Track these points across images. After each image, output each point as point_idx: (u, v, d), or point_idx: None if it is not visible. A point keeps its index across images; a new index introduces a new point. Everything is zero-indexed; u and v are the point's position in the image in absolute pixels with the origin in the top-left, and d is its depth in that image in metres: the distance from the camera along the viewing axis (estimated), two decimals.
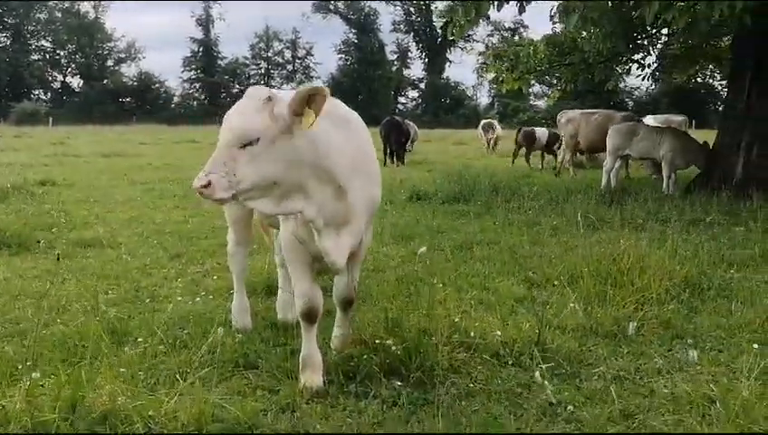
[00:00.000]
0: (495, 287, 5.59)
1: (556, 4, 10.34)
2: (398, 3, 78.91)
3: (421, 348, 3.74)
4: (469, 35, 70.61)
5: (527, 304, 5.10)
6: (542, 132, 19.58)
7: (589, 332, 4.42)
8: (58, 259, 5.84)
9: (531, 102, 64.95)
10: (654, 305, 4.75)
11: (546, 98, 36.32)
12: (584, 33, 11.36)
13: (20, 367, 3.55)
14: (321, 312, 3.73)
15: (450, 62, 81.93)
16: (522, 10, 10.53)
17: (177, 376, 3.51)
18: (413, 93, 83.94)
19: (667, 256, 5.63)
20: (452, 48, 76.51)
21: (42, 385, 3.26)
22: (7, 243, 7.18)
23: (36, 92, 78.46)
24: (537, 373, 3.43)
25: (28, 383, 3.05)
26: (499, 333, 4.11)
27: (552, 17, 10.41)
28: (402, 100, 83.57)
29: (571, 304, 4.73)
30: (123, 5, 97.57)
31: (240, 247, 4.83)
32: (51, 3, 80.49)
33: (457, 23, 10.85)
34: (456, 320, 4.12)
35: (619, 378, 3.76)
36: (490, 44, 62.38)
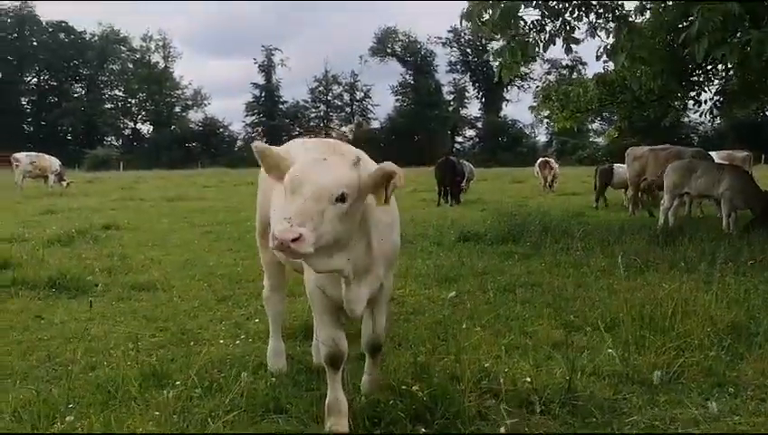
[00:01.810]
0: (534, 331, 5.54)
1: (602, 44, 10.29)
2: (455, 44, 79.58)
3: (448, 394, 3.74)
4: (525, 74, 70.68)
5: (564, 349, 5.02)
6: (622, 170, 19.05)
7: (625, 379, 4.32)
8: (90, 306, 6.06)
9: (591, 139, 64.23)
10: (695, 352, 4.62)
11: (603, 136, 35.72)
12: (633, 71, 11.24)
13: (61, 409, 3.71)
14: (345, 357, 3.73)
15: (507, 100, 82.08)
16: (568, 51, 10.53)
17: (210, 420, 3.61)
18: (470, 132, 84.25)
19: (713, 299, 5.48)
20: (509, 87, 76.60)
21: (78, 428, 3.40)
22: (67, 286, 7.50)
23: (109, 139, 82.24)
24: None
25: (62, 427, 3.18)
26: (529, 379, 4.06)
27: (598, 57, 10.36)
28: (459, 139, 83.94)
29: (609, 350, 4.66)
30: (190, 55, 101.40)
31: (275, 292, 4.91)
32: (123, 54, 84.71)
33: (506, 64, 10.92)
34: (486, 365, 4.11)
35: (653, 427, 3.66)
36: (546, 83, 62.08)
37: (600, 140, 62.00)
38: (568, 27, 10.65)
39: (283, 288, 5.01)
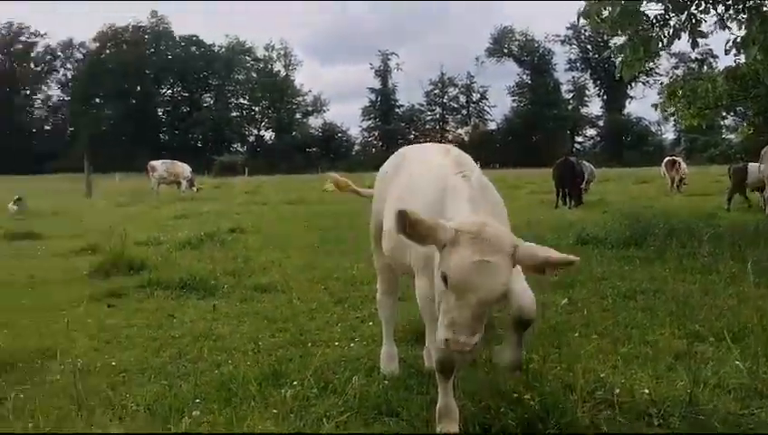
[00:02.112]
0: (655, 340, 5.32)
1: (732, 36, 9.71)
2: (574, 41, 77.34)
3: (560, 403, 3.68)
4: (651, 69, 67.50)
5: (687, 359, 4.79)
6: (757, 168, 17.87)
7: (753, 393, 4.07)
8: (214, 308, 6.36)
9: (723, 136, 60.45)
10: None
11: (736, 132, 33.42)
12: (767, 64, 10.51)
13: (189, 404, 3.98)
14: (456, 364, 3.69)
15: (631, 97, 78.66)
16: (695, 45, 10.03)
17: (324, 420, 3.75)
18: (591, 132, 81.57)
19: None
20: (633, 83, 73.47)
21: (203, 422, 3.63)
22: (196, 287, 7.98)
23: (235, 146, 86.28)
24: None
25: (189, 421, 3.41)
26: (647, 390, 3.92)
27: (727, 50, 9.78)
28: (579, 139, 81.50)
29: (736, 362, 4.41)
30: (309, 62, 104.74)
31: (388, 295, 4.96)
32: (248, 64, 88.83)
33: (627, 62, 10.55)
34: (602, 375, 4.00)
35: None
36: (673, 78, 58.94)
37: (732, 136, 58.19)
38: (694, 21, 10.14)
39: (395, 292, 5.05)
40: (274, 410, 3.78)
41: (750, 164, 18.09)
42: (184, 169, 29.24)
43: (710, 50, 66.14)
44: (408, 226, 3.06)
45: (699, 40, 9.94)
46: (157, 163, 29.39)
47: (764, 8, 9.88)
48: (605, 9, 9.92)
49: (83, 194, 30.70)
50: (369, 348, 5.42)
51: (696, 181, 27.98)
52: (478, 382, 4.23)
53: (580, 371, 4.03)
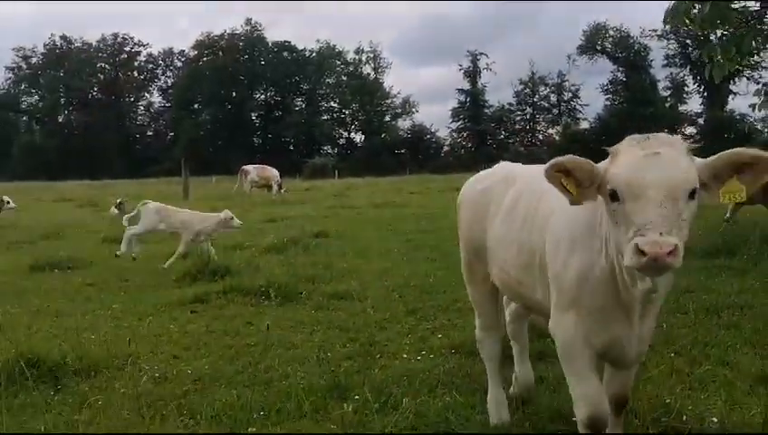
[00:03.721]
0: (736, 361, 5.06)
1: None
2: (672, 36, 74.12)
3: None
4: (757, 62, 63.79)
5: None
6: None
7: None
8: (267, 329, 6.20)
9: None
10: None
11: None
12: None
13: (254, 416, 4.12)
14: (608, 420, 3.24)
15: (734, 93, 74.57)
16: None
17: None
18: (690, 130, 77.87)
19: None
20: (737, 78, 69.65)
21: None
22: (275, 294, 8.19)
23: (325, 148, 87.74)
24: None
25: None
26: (715, 419, 3.74)
27: None
28: (678, 138, 77.92)
29: None
30: (398, 64, 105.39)
31: (490, 331, 4.33)
32: (338, 68, 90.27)
33: (717, 63, 10.05)
34: (668, 401, 3.85)
35: None
36: None
37: None
38: None
39: (498, 327, 4.40)
40: (333, 426, 3.85)
41: None
42: (273, 172, 30.09)
43: None
44: (573, 170, 2.84)
45: None
46: (249, 167, 30.42)
47: None
48: (694, 8, 9.48)
49: (181, 197, 32.10)
50: (435, 361, 5.43)
51: None
52: (538, 405, 4.16)
53: (646, 395, 3.89)
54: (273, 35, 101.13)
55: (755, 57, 58.93)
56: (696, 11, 9.63)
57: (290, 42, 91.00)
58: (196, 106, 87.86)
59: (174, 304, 7.91)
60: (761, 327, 5.94)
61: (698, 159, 2.76)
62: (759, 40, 9.52)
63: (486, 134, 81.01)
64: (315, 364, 5.41)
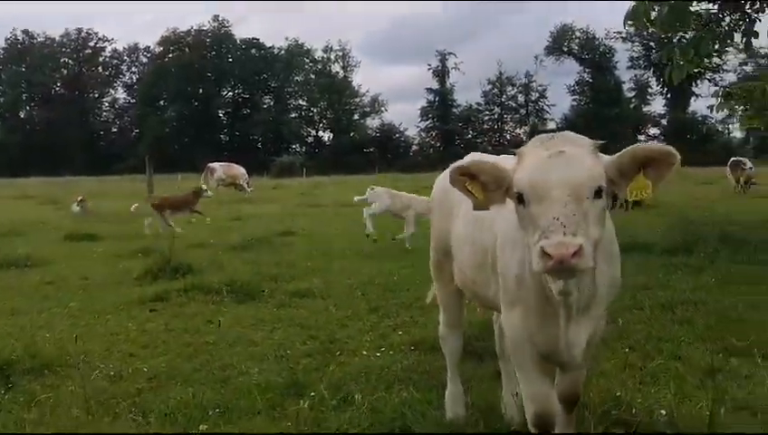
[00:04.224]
0: (688, 356, 5.17)
1: None
2: (636, 39, 75.34)
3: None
4: (718, 65, 65.20)
5: (720, 378, 4.64)
6: None
7: None
8: (219, 326, 6.25)
9: None
10: None
11: None
12: None
13: (209, 413, 4.09)
14: (555, 419, 3.24)
15: (696, 95, 76.13)
16: (748, 46, 9.64)
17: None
18: (654, 131, 79.33)
19: None
20: (698, 81, 71.02)
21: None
22: (237, 292, 8.13)
23: (294, 147, 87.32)
24: None
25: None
26: (664, 412, 3.82)
27: None
28: (642, 138, 79.14)
29: None
30: (367, 63, 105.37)
31: (452, 329, 4.33)
32: (307, 66, 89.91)
33: (676, 64, 10.24)
34: (618, 393, 3.92)
35: None
36: (742, 75, 56.78)
37: None
38: (748, 20, 9.77)
39: (461, 325, 4.43)
40: (288, 423, 3.84)
41: None
42: (241, 171, 29.87)
43: None
44: (477, 173, 2.79)
45: (750, 40, 9.49)
46: (215, 165, 30.11)
47: None
48: (653, 9, 9.63)
49: (146, 195, 31.64)
50: (395, 358, 5.44)
51: (766, 183, 26.90)
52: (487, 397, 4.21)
53: (598, 388, 3.96)
54: (240, 32, 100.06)
55: (716, 60, 60.19)
56: (655, 13, 9.78)
57: (258, 39, 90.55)
58: (161, 103, 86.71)
59: (134, 302, 7.81)
60: (713, 323, 6.08)
61: (605, 157, 2.73)
62: (717, 42, 9.70)
63: (455, 134, 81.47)
64: (274, 362, 5.40)
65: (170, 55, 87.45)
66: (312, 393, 4.40)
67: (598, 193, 2.56)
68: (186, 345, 5.99)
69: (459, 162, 2.86)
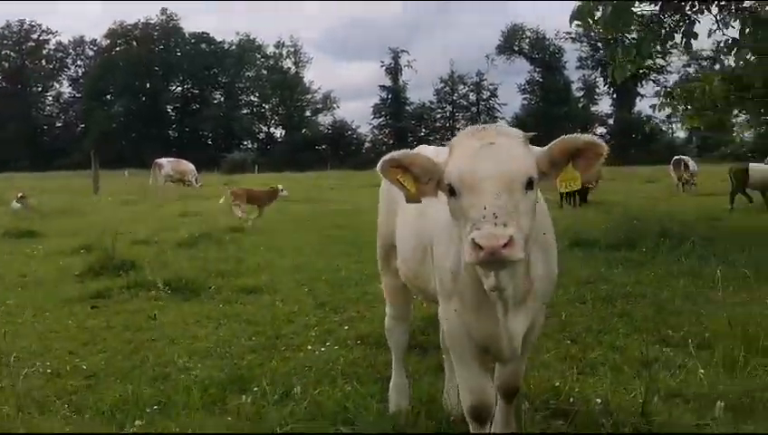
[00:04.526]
0: (626, 347, 5.30)
1: (723, 38, 9.62)
2: (585, 39, 76.88)
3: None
4: (662, 67, 66.91)
5: (656, 367, 4.77)
6: (760, 170, 17.64)
7: (711, 403, 4.04)
8: (155, 318, 6.18)
9: (735, 135, 59.83)
10: None
11: (737, 131, 32.90)
12: (761, 66, 10.41)
13: (148, 410, 4.01)
14: (493, 409, 3.28)
15: (641, 96, 78.13)
16: (688, 47, 9.94)
17: (278, 428, 3.77)
18: (601, 130, 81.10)
19: None
20: (643, 81, 72.87)
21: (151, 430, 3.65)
22: (182, 289, 8.00)
23: (245, 143, 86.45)
24: None
25: (132, 430, 3.44)
26: (600, 400, 3.90)
27: (716, 52, 9.70)
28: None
29: (701, 371, 4.40)
30: (320, 59, 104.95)
31: (398, 321, 4.32)
32: (258, 62, 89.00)
33: (618, 64, 10.48)
34: (557, 383, 3.99)
35: None
36: (685, 75, 58.45)
37: (746, 135, 57.57)
38: (688, 21, 10.06)
39: (407, 318, 4.41)
40: (228, 418, 3.80)
41: (751, 165, 17.98)
42: (189, 167, 29.40)
43: (723, 48, 65.83)
44: (409, 166, 2.77)
45: (690, 42, 9.79)
46: (163, 161, 29.55)
47: (756, 10, 9.82)
48: (597, 10, 9.84)
49: (91, 191, 30.88)
50: (339, 352, 5.43)
51: (706, 180, 27.76)
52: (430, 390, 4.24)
53: (538, 379, 4.03)
54: (189, 26, 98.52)
55: (660, 61, 61.75)
56: (599, 13, 9.99)
57: (208, 33, 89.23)
58: (108, 97, 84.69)
59: (74, 299, 7.61)
60: (651, 315, 6.26)
61: (536, 148, 2.73)
62: (658, 43, 9.96)
63: (407, 131, 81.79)
64: (217, 358, 5.34)
65: (117, 49, 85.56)
66: (255, 388, 4.36)
67: (529, 184, 2.56)
68: (126, 342, 5.87)
69: (391, 154, 2.83)
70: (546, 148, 2.74)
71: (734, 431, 3.72)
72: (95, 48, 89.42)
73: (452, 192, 2.61)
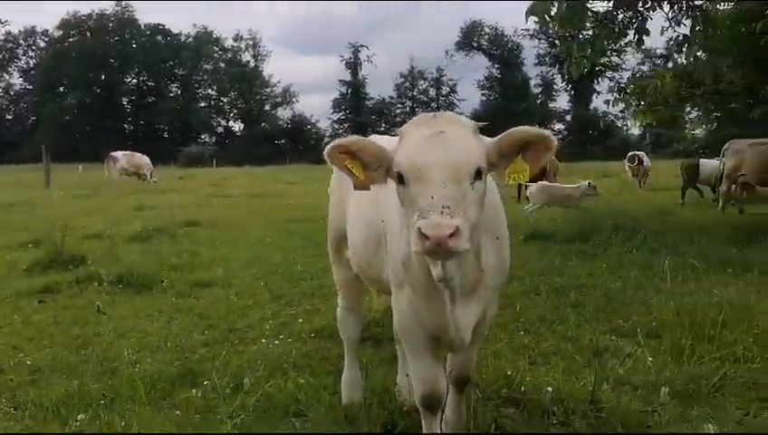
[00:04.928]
0: (578, 337, 5.37)
1: (674, 34, 9.82)
2: (542, 36, 77.79)
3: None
4: (617, 64, 68.13)
5: (606, 356, 4.85)
6: (710, 166, 18.02)
7: (659, 390, 4.13)
8: (98, 310, 6.13)
9: (687, 131, 61.28)
10: (740, 363, 4.36)
11: (689, 128, 33.73)
12: (709, 63, 10.67)
13: (93, 405, 3.91)
14: (444, 398, 3.27)
15: (598, 92, 79.43)
16: (640, 43, 10.11)
17: (228, 421, 3.71)
18: (558, 126, 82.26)
19: None
20: (599, 79, 74.10)
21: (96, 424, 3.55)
22: (134, 283, 7.85)
23: (203, 137, 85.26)
24: None
25: (75, 425, 3.35)
26: (550, 389, 3.94)
27: (668, 49, 9.90)
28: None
29: (650, 359, 4.48)
30: (280, 53, 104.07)
31: (350, 313, 4.29)
32: (216, 54, 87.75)
33: (574, 59, 10.60)
34: (509, 372, 4.02)
35: None
36: (640, 73, 59.52)
37: (697, 132, 59.02)
38: (640, 18, 10.23)
39: (359, 309, 4.40)
40: (177, 412, 3.72)
41: (702, 160, 18.41)
42: (144, 160, 28.87)
43: (675, 47, 67.25)
44: (358, 152, 2.72)
45: (642, 38, 9.97)
46: (118, 154, 28.94)
47: (707, 8, 10.04)
48: (553, 6, 9.93)
49: (42, 185, 30.09)
50: (293, 345, 5.39)
51: (660, 176, 28.33)
52: (384, 381, 4.23)
53: (491, 368, 4.05)
54: (145, 18, 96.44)
55: (615, 59, 62.82)
56: (555, 9, 10.09)
57: (164, 25, 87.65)
58: (61, 89, 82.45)
59: (21, 294, 7.40)
60: (602, 305, 6.35)
61: (486, 139, 2.71)
62: (612, 39, 10.10)
63: (367, 126, 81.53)
64: (168, 352, 5.24)
65: (71, 40, 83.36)
66: (206, 382, 4.29)
67: (478, 174, 2.54)
68: (74, 337, 5.72)
69: (339, 139, 2.79)
70: (496, 139, 2.72)
71: (679, 416, 3.79)
72: (47, 39, 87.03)
73: (401, 180, 2.59)
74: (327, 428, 3.66)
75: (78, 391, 4.13)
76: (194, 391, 4.17)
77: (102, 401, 3.95)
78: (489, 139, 2.74)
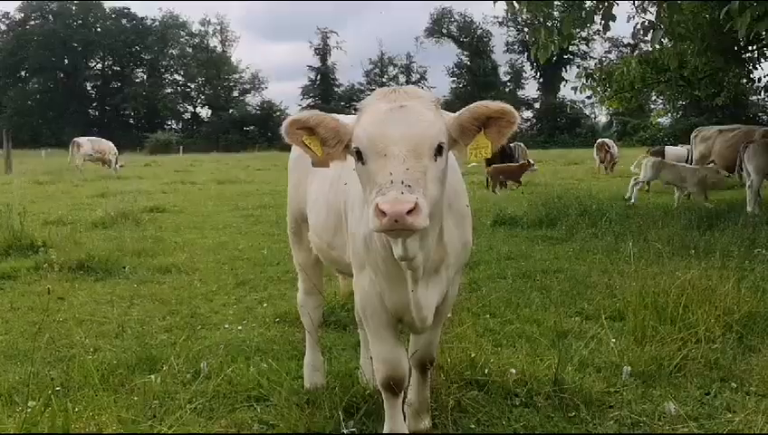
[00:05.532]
0: (543, 319, 5.39)
1: (640, 21, 9.87)
2: (512, 23, 78.05)
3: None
4: (585, 53, 68.79)
5: (570, 338, 4.86)
6: (675, 153, 18.21)
7: (621, 371, 4.15)
8: (49, 292, 5.96)
9: (652, 119, 62.15)
10: (701, 343, 4.40)
11: (653, 115, 34.15)
12: (673, 50, 10.76)
13: (49, 392, 3.78)
14: (407, 380, 3.22)
15: (566, 80, 79.80)
16: (606, 28, 10.15)
17: (188, 406, 3.63)
18: (527, 114, 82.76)
19: (735, 288, 5.18)
20: (568, 66, 74.57)
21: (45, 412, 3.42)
22: (94, 268, 7.69)
23: (170, 123, 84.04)
24: None
25: (26, 412, 3.24)
26: (514, 370, 3.93)
27: (634, 35, 9.96)
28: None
29: (613, 341, 4.50)
30: (248, 39, 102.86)
31: (311, 296, 4.21)
32: (183, 39, 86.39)
33: (541, 44, 10.61)
34: (473, 355, 4.00)
35: (637, 424, 3.50)
36: (608, 62, 60.15)
37: (663, 120, 59.88)
38: (607, 3, 10.26)
39: (320, 292, 4.33)
40: (135, 398, 3.63)
41: (667, 148, 18.67)
42: (109, 146, 28.33)
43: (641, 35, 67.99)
44: (315, 127, 2.64)
45: (609, 24, 10.00)
46: (82, 140, 28.37)
47: None
48: None
49: (2, 171, 29.39)
50: (258, 330, 5.33)
51: (627, 163, 28.63)
52: (348, 365, 4.19)
53: (455, 351, 4.03)
54: (109, 2, 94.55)
55: (584, 48, 63.24)
56: None
57: (129, 9, 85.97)
58: (23, 74, 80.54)
59: None
60: (567, 289, 6.39)
61: (448, 114, 2.65)
62: (579, 23, 10.12)
63: (336, 112, 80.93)
64: (128, 338, 5.13)
65: (32, 23, 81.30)
66: (165, 368, 4.19)
67: (439, 150, 2.48)
68: (31, 324, 5.56)
69: (296, 114, 2.72)
70: (457, 114, 2.67)
71: (640, 396, 3.81)
72: (7, 22, 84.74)
73: (359, 157, 2.53)
74: (288, 411, 3.60)
75: (32, 378, 4.00)
76: (152, 376, 4.06)
77: (58, 389, 3.83)
78: (450, 114, 2.68)
